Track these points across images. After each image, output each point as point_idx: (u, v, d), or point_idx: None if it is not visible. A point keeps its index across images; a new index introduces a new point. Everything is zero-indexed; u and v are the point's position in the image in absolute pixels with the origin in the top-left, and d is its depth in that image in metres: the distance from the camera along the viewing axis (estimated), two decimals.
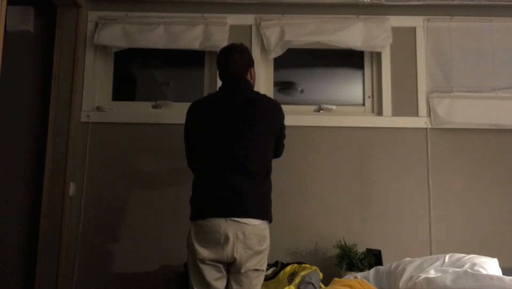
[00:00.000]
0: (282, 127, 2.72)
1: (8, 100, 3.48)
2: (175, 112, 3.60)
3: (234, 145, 2.52)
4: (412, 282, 2.17)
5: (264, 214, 2.51)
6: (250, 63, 2.77)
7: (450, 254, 2.70)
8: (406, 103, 3.54)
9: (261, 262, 2.48)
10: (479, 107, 3.47)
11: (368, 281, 2.66)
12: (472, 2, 3.54)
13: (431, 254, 3.30)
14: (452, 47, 3.57)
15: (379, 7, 3.60)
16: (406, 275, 2.35)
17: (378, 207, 3.43)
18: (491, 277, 1.87)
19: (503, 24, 3.59)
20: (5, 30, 2.62)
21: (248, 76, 2.76)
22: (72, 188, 3.40)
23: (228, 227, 2.40)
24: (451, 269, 2.14)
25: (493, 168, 3.46)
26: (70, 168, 3.38)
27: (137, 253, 3.41)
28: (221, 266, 2.46)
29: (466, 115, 3.47)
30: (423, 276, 2.10)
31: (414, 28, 3.61)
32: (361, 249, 3.21)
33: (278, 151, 2.77)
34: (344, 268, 3.08)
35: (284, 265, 3.16)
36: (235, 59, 2.72)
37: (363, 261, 3.08)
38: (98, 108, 3.59)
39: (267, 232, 2.51)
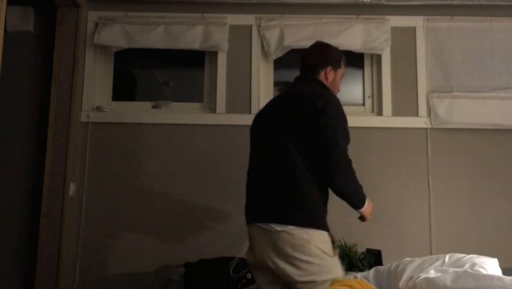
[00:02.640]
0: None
1: (8, 100, 3.48)
2: (175, 112, 3.61)
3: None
4: (412, 282, 2.17)
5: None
6: (325, 62, 2.52)
7: (450, 254, 2.69)
8: (406, 103, 3.54)
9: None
10: (479, 107, 3.47)
11: (368, 281, 2.66)
12: (472, 2, 3.54)
13: (431, 254, 3.30)
14: (452, 47, 3.57)
15: (379, 7, 3.60)
16: (406, 275, 2.34)
17: (378, 207, 3.41)
18: (491, 277, 1.87)
19: (503, 24, 3.59)
20: (5, 30, 2.62)
21: (322, 76, 2.52)
22: (72, 188, 3.40)
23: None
24: (451, 269, 2.14)
25: (493, 168, 3.46)
26: (70, 168, 3.37)
27: (137, 253, 3.41)
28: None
29: (466, 115, 3.47)
30: (423, 276, 2.10)
31: (414, 28, 3.61)
32: (361, 249, 3.20)
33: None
34: (344, 268, 3.08)
35: None
36: (307, 52, 2.57)
37: (363, 261, 3.08)
38: (98, 108, 3.59)
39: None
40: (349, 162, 2.37)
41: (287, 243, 2.25)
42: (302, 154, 2.31)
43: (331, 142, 2.29)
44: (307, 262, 2.24)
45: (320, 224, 2.33)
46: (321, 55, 2.55)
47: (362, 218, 2.52)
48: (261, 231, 2.32)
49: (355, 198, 2.44)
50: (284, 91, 2.61)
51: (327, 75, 2.51)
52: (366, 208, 2.48)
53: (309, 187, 2.32)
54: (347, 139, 2.39)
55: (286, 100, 2.47)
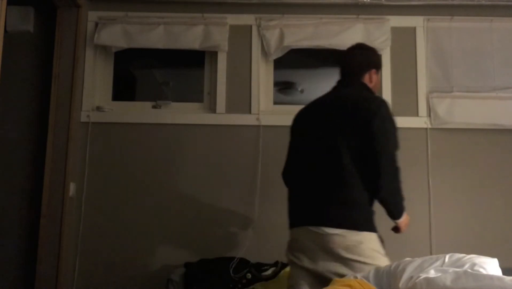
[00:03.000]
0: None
1: (8, 100, 3.48)
2: (175, 112, 3.61)
3: None
4: (412, 282, 2.16)
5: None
6: (369, 65, 2.53)
7: (450, 254, 2.69)
8: (406, 103, 3.54)
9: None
10: (479, 107, 3.47)
11: (368, 281, 2.65)
12: (472, 2, 3.54)
13: (431, 254, 3.30)
14: (452, 47, 3.57)
15: (379, 7, 3.60)
16: (406, 275, 2.34)
17: (378, 206, 3.43)
18: (491, 277, 1.86)
19: (503, 24, 3.59)
20: (5, 30, 2.62)
21: (366, 79, 2.52)
22: (72, 188, 3.40)
23: None
24: (451, 269, 2.13)
25: (493, 168, 3.46)
26: (70, 168, 3.38)
27: (137, 253, 3.41)
28: None
29: (466, 115, 3.47)
30: (423, 276, 2.10)
31: (414, 28, 3.61)
32: None
33: None
34: None
35: (284, 265, 3.16)
36: (350, 55, 2.58)
37: None
38: (98, 108, 3.59)
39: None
40: (397, 169, 2.37)
41: (339, 245, 2.27)
42: (353, 159, 2.32)
43: (382, 149, 2.31)
44: (361, 262, 2.26)
45: (370, 226, 2.36)
46: (365, 58, 2.56)
47: (396, 229, 2.52)
48: (310, 234, 2.33)
49: (396, 207, 2.44)
50: (328, 94, 2.59)
51: (371, 78, 2.53)
52: (404, 220, 2.49)
53: (359, 190, 2.34)
54: (397, 146, 2.39)
55: (336, 104, 2.45)
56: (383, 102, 2.40)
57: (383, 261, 2.31)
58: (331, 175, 2.34)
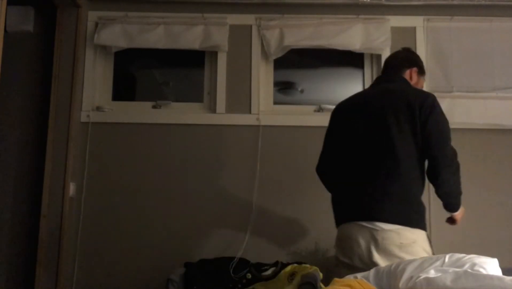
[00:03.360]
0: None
1: (8, 100, 3.48)
2: (175, 113, 3.61)
3: None
4: (412, 282, 2.16)
5: None
6: (412, 63, 2.59)
7: (450, 254, 2.69)
8: None
9: None
10: (479, 107, 3.47)
11: (368, 281, 2.65)
12: (472, 2, 3.55)
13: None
14: (452, 47, 3.57)
15: (379, 7, 3.60)
16: (406, 275, 2.34)
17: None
18: (491, 277, 1.86)
19: (503, 24, 3.59)
20: (5, 30, 2.62)
21: (407, 75, 2.56)
22: (72, 188, 3.40)
23: None
24: (451, 269, 2.13)
25: (493, 168, 3.46)
26: (70, 168, 3.38)
27: (136, 253, 3.41)
28: None
29: (466, 115, 3.47)
30: (423, 276, 2.09)
31: (414, 28, 3.61)
32: None
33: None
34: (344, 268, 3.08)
35: (284, 265, 3.16)
36: (394, 53, 2.65)
37: None
38: (98, 108, 3.59)
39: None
40: (457, 163, 2.39)
41: (393, 242, 2.26)
42: (408, 152, 2.32)
43: (444, 142, 2.33)
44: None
45: (423, 224, 2.36)
46: (409, 57, 2.61)
47: (452, 220, 2.53)
48: (363, 229, 2.30)
49: (456, 199, 2.45)
50: (371, 88, 2.60)
51: (412, 76, 2.56)
52: (460, 212, 2.50)
53: (415, 185, 2.36)
54: (450, 139, 2.41)
55: (386, 97, 2.44)
56: (435, 97, 2.42)
57: None
58: (387, 169, 2.33)
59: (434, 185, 2.38)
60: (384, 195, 2.31)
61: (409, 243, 2.27)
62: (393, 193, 2.31)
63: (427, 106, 2.34)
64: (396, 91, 2.45)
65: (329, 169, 2.62)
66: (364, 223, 2.30)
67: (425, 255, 2.28)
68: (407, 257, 2.20)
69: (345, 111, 2.58)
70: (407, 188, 2.33)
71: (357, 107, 2.52)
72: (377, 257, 2.27)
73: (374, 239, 2.28)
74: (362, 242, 2.31)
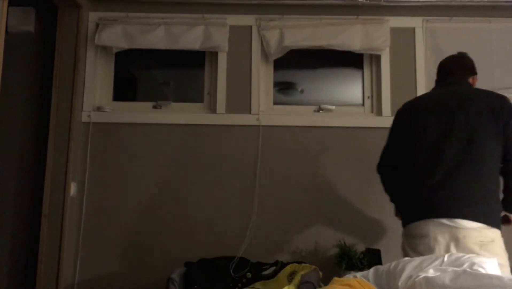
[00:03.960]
0: None
1: (9, 100, 3.49)
2: (176, 113, 3.62)
3: None
4: (411, 281, 2.17)
5: None
6: (474, 70, 2.68)
7: (449, 253, 2.70)
8: None
9: None
10: None
11: (368, 280, 2.67)
12: (471, 3, 3.56)
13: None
14: (451, 48, 3.55)
15: (379, 8, 3.61)
16: (405, 275, 2.35)
17: (377, 206, 3.45)
18: (490, 277, 1.87)
19: (502, 25, 3.60)
20: (6, 31, 2.63)
21: (470, 82, 2.65)
22: (73, 188, 3.41)
23: None
24: (450, 268, 2.14)
25: None
26: (71, 168, 3.39)
27: (137, 252, 3.42)
28: None
29: None
30: (422, 275, 2.11)
31: (413, 29, 3.62)
32: (360, 248, 3.22)
33: None
34: (343, 268, 3.10)
35: (284, 264, 3.17)
36: (460, 59, 2.71)
37: (363, 260, 3.09)
38: (99, 109, 3.60)
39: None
40: None
41: (474, 240, 2.27)
42: (490, 151, 2.36)
43: None
44: None
45: (499, 223, 2.37)
46: (472, 64, 2.67)
47: (508, 220, 2.53)
48: (442, 227, 2.31)
49: None
50: (440, 90, 2.63)
51: (474, 82, 2.63)
52: None
53: (495, 184, 2.39)
54: None
55: (462, 98, 2.48)
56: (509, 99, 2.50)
57: (506, 263, 2.33)
58: (468, 168, 2.35)
59: (505, 181, 2.43)
60: (465, 193, 2.32)
61: (488, 242, 2.28)
62: (474, 191, 2.33)
63: (507, 108, 2.42)
64: (472, 92, 2.53)
65: (395, 167, 2.63)
66: (444, 221, 2.31)
67: (503, 254, 2.32)
68: (488, 255, 2.19)
69: (416, 112, 2.58)
70: (487, 186, 2.35)
71: (431, 107, 2.54)
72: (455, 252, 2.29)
73: (454, 237, 2.29)
74: (442, 240, 2.31)
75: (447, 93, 2.56)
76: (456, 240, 2.29)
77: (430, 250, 2.31)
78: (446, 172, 2.38)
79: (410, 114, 2.61)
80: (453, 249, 2.28)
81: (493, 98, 2.46)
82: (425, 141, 2.47)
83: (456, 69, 2.65)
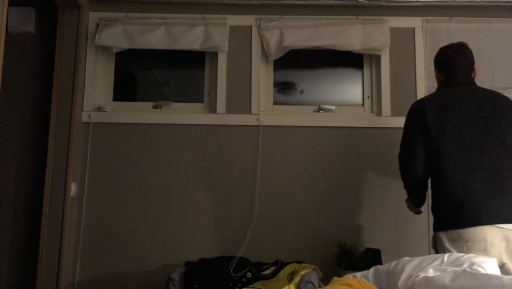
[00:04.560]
0: None
1: (9, 100, 3.49)
2: (176, 113, 3.62)
3: None
4: (411, 281, 2.18)
5: None
6: (474, 63, 2.73)
7: (449, 253, 2.70)
8: (405, 103, 3.51)
9: None
10: None
11: (368, 280, 2.67)
12: (470, 3, 3.55)
13: (429, 253, 3.31)
14: None
15: (378, 8, 3.61)
16: (405, 274, 2.35)
17: (377, 206, 3.45)
18: (489, 276, 1.87)
19: (502, 25, 3.61)
20: (7, 31, 2.63)
21: (473, 76, 2.71)
22: (73, 188, 3.41)
23: None
24: (450, 268, 2.14)
25: None
26: (71, 168, 3.39)
27: (137, 252, 3.43)
28: None
29: None
30: (422, 275, 2.11)
31: (413, 29, 3.62)
32: (360, 248, 3.22)
33: None
34: (343, 267, 3.10)
35: (284, 264, 3.18)
36: (465, 54, 2.74)
37: (363, 260, 3.09)
38: (99, 109, 3.60)
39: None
40: None
41: None
42: None
43: None
44: None
45: None
46: (472, 57, 2.71)
47: None
48: (498, 230, 2.33)
49: None
50: (457, 87, 2.64)
51: (474, 75, 2.70)
52: None
53: None
54: None
55: (483, 97, 2.56)
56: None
57: None
58: (509, 169, 2.39)
59: None
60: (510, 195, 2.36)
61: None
62: None
63: None
64: (489, 94, 2.59)
65: (422, 169, 2.61)
66: (500, 225, 2.33)
67: None
68: None
69: (438, 110, 2.56)
70: None
71: (452, 107, 2.55)
72: (505, 258, 2.33)
73: (506, 239, 2.33)
74: (497, 243, 2.33)
75: (462, 92, 2.60)
76: (508, 241, 2.33)
77: (485, 253, 2.30)
78: (497, 178, 2.38)
79: (432, 113, 2.56)
80: (503, 249, 2.33)
81: (507, 99, 2.57)
82: (459, 143, 2.47)
83: (462, 66, 2.66)
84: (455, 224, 2.40)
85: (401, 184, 3.46)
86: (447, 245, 2.42)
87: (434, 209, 2.55)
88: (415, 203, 2.80)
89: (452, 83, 2.65)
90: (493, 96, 2.58)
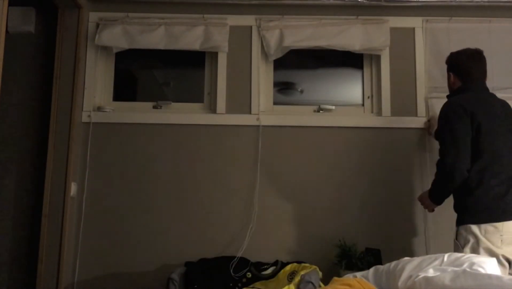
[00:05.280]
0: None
1: (9, 101, 3.49)
2: (176, 113, 3.62)
3: None
4: (411, 281, 2.18)
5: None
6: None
7: (449, 253, 2.70)
8: (405, 103, 3.55)
9: None
10: None
11: (368, 280, 2.67)
12: (470, 3, 3.55)
13: (426, 253, 3.31)
14: (450, 48, 3.55)
15: (379, 8, 3.61)
16: (405, 274, 2.36)
17: (377, 206, 3.45)
18: (489, 276, 1.88)
19: (502, 25, 3.60)
20: (7, 31, 2.63)
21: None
22: (73, 188, 3.41)
23: None
24: (450, 268, 2.14)
25: None
26: (71, 168, 3.39)
27: (137, 252, 3.43)
28: None
29: None
30: (422, 275, 2.11)
31: (413, 29, 3.62)
32: (360, 248, 3.22)
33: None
34: (343, 267, 3.10)
35: (284, 264, 3.18)
36: (484, 61, 2.97)
37: (363, 260, 3.09)
38: (99, 109, 3.60)
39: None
40: None
41: None
42: None
43: None
44: None
45: None
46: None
47: None
48: None
49: None
50: (485, 92, 2.91)
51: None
52: None
53: None
54: None
55: (504, 107, 2.87)
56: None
57: None
58: None
59: None
60: None
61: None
62: None
63: None
64: (502, 101, 2.90)
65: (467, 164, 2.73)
66: None
67: None
68: None
69: (479, 110, 2.74)
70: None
71: (491, 107, 2.81)
72: None
73: None
74: None
75: (492, 97, 2.87)
76: None
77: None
78: None
79: (476, 113, 2.72)
80: None
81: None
82: (497, 139, 2.72)
83: (482, 73, 2.91)
84: (492, 218, 2.60)
85: (401, 184, 3.47)
86: (481, 237, 2.59)
87: (465, 204, 2.73)
88: (438, 201, 2.94)
89: (474, 89, 2.87)
90: (504, 105, 2.87)
